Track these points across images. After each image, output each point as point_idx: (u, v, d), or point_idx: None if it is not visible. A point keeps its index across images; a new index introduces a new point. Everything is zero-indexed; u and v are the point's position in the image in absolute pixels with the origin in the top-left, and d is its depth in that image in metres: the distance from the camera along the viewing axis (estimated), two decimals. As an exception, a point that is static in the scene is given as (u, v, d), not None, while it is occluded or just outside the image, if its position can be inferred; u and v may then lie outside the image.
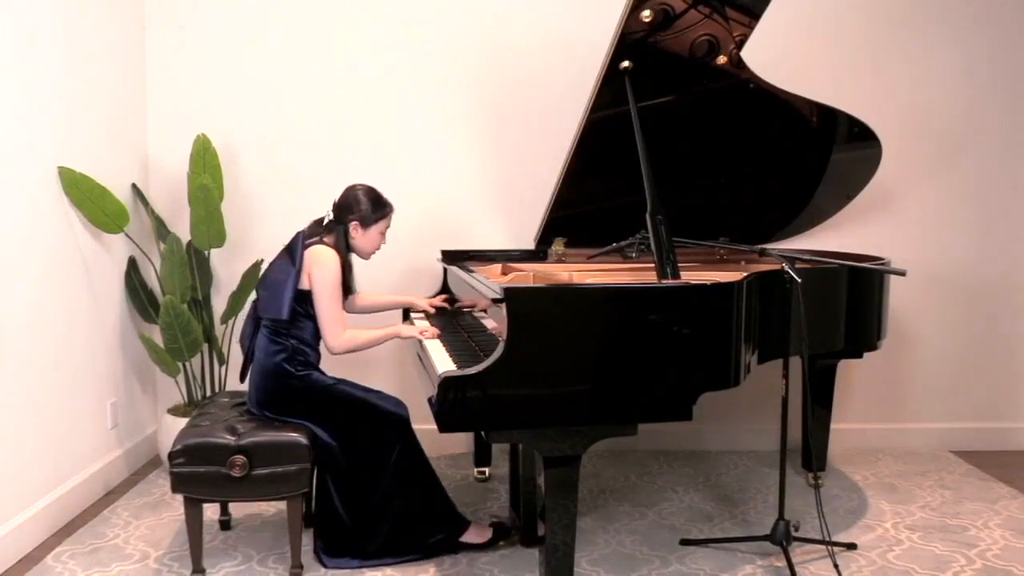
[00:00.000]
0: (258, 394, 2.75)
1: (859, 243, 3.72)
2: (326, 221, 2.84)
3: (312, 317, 2.75)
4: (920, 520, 3.13)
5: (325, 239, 2.81)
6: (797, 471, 3.58)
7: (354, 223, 2.83)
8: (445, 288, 3.45)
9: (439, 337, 2.79)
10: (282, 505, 2.80)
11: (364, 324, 2.97)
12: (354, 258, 2.92)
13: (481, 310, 2.88)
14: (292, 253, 2.78)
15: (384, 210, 2.88)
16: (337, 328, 2.73)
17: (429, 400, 2.31)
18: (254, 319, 2.85)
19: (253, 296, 3.01)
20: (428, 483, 2.76)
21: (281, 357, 2.72)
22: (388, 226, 2.92)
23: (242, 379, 2.90)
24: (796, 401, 3.19)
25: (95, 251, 3.32)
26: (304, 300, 2.74)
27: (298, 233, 2.81)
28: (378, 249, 2.93)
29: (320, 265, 2.72)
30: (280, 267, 2.79)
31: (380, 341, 2.83)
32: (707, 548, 2.85)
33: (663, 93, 3.10)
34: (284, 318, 2.71)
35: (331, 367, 2.90)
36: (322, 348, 2.80)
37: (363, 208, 2.83)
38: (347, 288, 2.84)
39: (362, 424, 2.69)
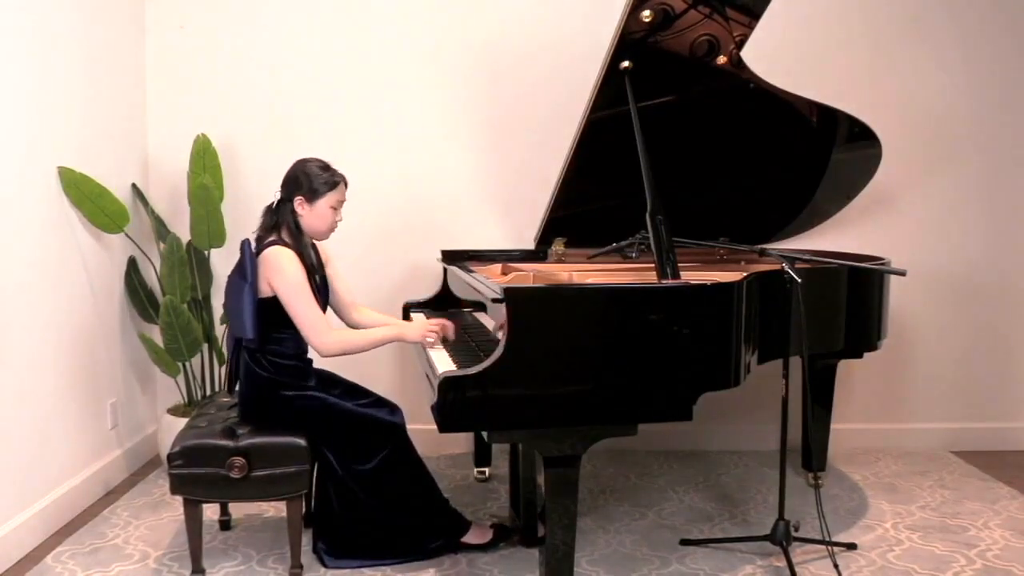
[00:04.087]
0: (248, 413, 2.69)
1: (859, 243, 3.73)
2: (275, 204, 2.66)
3: (287, 325, 2.59)
4: (920, 520, 3.13)
5: (275, 237, 2.62)
6: (797, 471, 3.58)
7: (299, 199, 2.62)
8: (445, 288, 3.45)
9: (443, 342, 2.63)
10: (282, 505, 2.79)
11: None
12: (340, 249, 2.82)
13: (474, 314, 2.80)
14: (241, 267, 2.61)
15: (332, 181, 2.64)
16: (319, 328, 2.56)
17: (432, 407, 2.30)
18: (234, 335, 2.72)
19: None
20: (424, 491, 2.73)
21: (262, 385, 2.63)
22: (341, 200, 2.68)
23: (230, 390, 2.87)
24: (796, 401, 3.19)
25: (95, 251, 3.32)
26: (271, 310, 2.57)
27: (243, 242, 2.64)
28: (333, 228, 2.70)
29: (277, 270, 2.54)
30: (234, 286, 2.63)
31: (380, 342, 2.66)
32: (707, 548, 2.85)
33: (663, 93, 3.09)
34: (251, 337, 2.57)
35: (330, 365, 2.90)
36: (313, 352, 2.69)
37: (308, 180, 2.62)
38: (311, 271, 2.64)
39: (354, 436, 2.63)
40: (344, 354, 2.62)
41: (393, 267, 3.83)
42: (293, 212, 2.65)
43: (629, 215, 2.84)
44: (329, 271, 2.85)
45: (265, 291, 2.59)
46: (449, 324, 2.67)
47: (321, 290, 2.74)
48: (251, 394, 2.69)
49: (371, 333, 2.68)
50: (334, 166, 2.71)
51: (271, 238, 2.64)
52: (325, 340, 2.57)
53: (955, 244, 3.94)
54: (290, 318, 2.59)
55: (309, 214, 2.65)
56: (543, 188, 3.43)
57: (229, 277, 2.69)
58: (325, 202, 2.65)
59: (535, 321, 2.21)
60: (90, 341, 3.28)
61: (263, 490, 2.56)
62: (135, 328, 3.64)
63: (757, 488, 3.45)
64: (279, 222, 2.66)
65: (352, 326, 2.90)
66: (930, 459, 3.85)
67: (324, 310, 2.72)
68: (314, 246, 2.78)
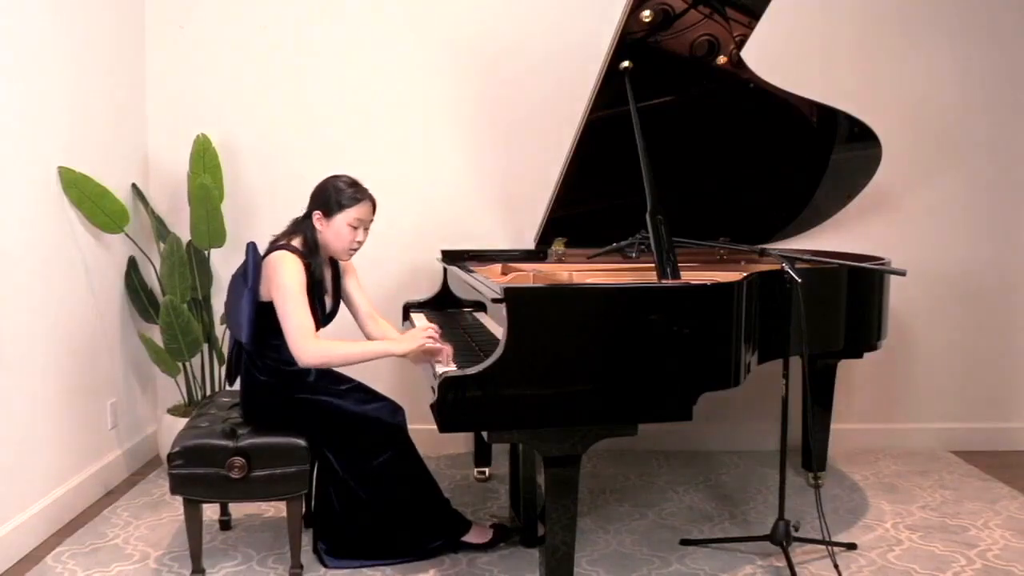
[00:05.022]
0: (249, 414, 2.70)
1: (859, 243, 3.72)
2: (301, 216, 2.66)
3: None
4: (920, 520, 3.13)
5: (285, 242, 2.60)
6: (797, 471, 3.58)
7: (317, 214, 2.60)
8: (445, 288, 3.45)
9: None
10: (282, 505, 2.79)
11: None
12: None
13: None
14: (244, 270, 2.60)
15: (355, 197, 2.59)
16: (302, 333, 2.47)
17: (432, 406, 2.30)
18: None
19: None
20: (425, 491, 2.73)
21: (261, 389, 2.63)
22: (360, 219, 2.61)
23: (230, 383, 2.86)
24: (796, 401, 3.19)
25: (95, 251, 3.32)
26: (271, 315, 2.53)
27: (248, 245, 2.62)
28: (353, 248, 2.65)
29: (275, 272, 2.51)
30: (235, 288, 2.62)
31: (365, 358, 2.57)
32: (707, 548, 2.85)
33: (663, 93, 3.09)
34: (245, 341, 2.56)
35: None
36: None
37: (334, 193, 2.59)
38: (316, 288, 2.62)
39: (355, 437, 2.63)
40: (325, 365, 2.58)
41: (393, 267, 3.83)
42: (313, 227, 2.63)
43: (629, 215, 2.84)
44: (349, 280, 2.84)
45: (265, 295, 2.58)
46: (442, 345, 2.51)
47: (329, 305, 2.74)
48: (251, 397, 2.69)
49: (356, 346, 2.61)
50: (363, 183, 2.66)
51: (281, 242, 2.63)
52: (306, 347, 2.48)
53: (955, 244, 3.94)
54: None
55: (327, 230, 2.62)
56: (543, 188, 3.43)
57: (232, 277, 2.70)
58: (343, 218, 2.59)
59: (535, 321, 2.21)
60: (90, 341, 3.28)
61: (263, 490, 2.56)
62: (135, 328, 3.64)
63: (757, 488, 3.45)
64: (298, 232, 2.64)
65: (368, 337, 2.87)
66: (930, 459, 3.85)
67: (321, 325, 2.68)
68: (334, 261, 2.77)
